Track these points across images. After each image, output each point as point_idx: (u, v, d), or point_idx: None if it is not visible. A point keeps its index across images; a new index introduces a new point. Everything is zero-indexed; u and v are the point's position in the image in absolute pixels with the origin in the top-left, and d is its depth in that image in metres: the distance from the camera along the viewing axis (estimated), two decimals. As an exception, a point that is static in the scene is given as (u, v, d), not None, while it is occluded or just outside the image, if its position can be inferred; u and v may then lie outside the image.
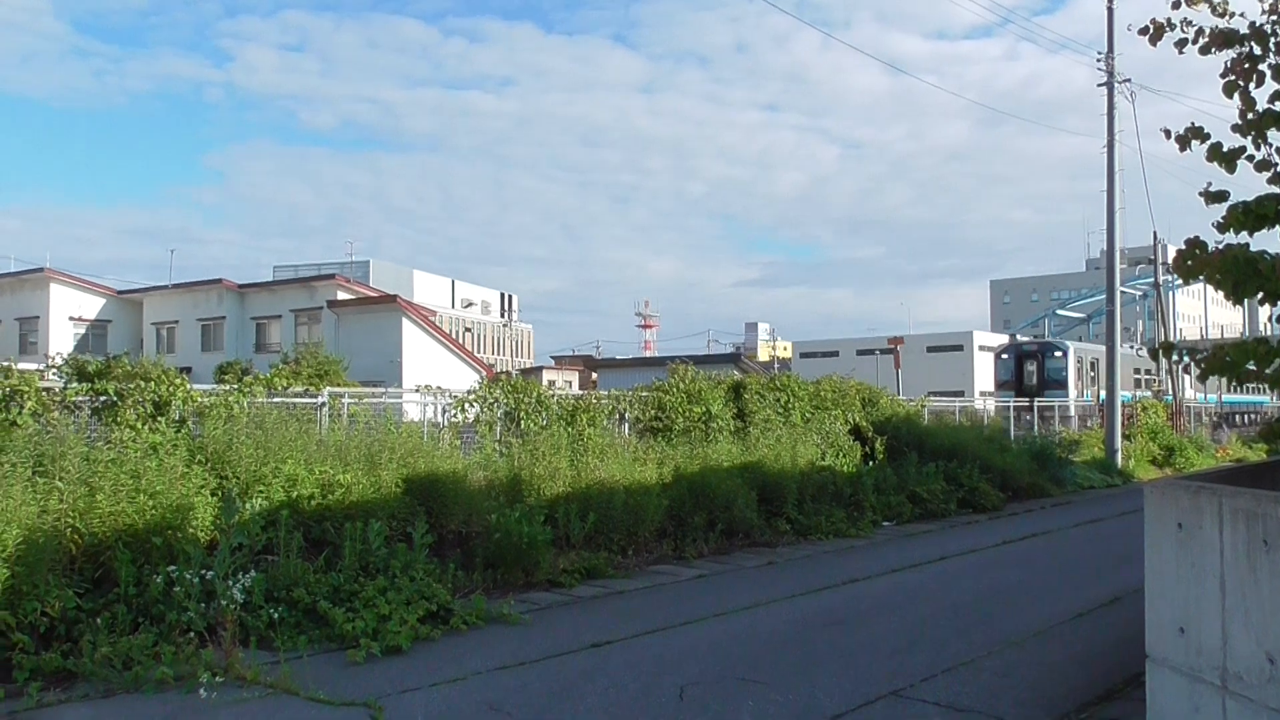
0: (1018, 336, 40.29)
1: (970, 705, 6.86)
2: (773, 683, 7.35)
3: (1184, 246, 6.24)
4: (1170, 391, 38.54)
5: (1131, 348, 44.16)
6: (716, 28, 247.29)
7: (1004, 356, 40.98)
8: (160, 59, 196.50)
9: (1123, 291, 34.46)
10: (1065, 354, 39.00)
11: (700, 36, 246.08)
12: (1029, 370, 39.12)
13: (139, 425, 10.21)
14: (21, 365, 10.46)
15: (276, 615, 8.28)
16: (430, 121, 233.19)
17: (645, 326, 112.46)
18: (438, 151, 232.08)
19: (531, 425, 14.07)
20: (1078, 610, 10.09)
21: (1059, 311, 71.72)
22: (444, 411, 14.42)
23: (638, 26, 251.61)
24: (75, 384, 10.43)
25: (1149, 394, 40.71)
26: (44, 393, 10.00)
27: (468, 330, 71.28)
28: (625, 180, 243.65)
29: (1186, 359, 7.13)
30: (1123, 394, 40.77)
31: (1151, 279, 45.50)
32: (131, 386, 10.52)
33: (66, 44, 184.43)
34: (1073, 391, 36.48)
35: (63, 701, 6.74)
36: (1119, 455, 27.71)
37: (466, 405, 14.26)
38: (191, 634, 7.67)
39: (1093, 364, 39.10)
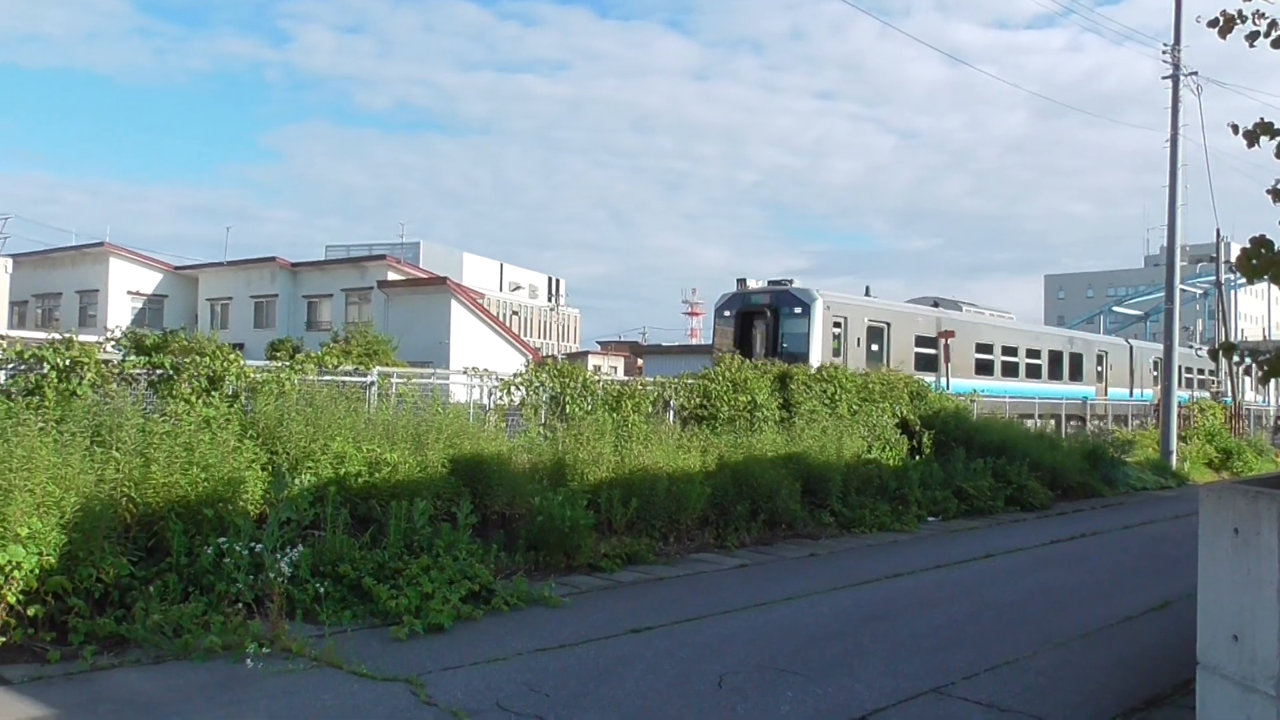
0: (749, 283, 26.88)
1: (1013, 705, 6.78)
2: (812, 675, 7.32)
3: (1249, 245, 6.08)
4: (1229, 393, 37.70)
5: (1191, 347, 42.93)
6: (772, 14, 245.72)
7: (726, 314, 26.93)
8: (220, 39, 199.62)
9: (1182, 289, 33.70)
10: (808, 309, 25.18)
11: (755, 23, 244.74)
12: (757, 332, 26.43)
13: (193, 399, 10.42)
14: (81, 337, 10.69)
15: (322, 589, 8.40)
16: (484, 105, 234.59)
17: (692, 314, 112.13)
18: (490, 135, 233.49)
19: (576, 410, 14.12)
20: (1126, 613, 9.92)
21: (1115, 308, 70.29)
22: (490, 394, 14.51)
23: (692, 12, 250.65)
24: (133, 357, 10.66)
25: (1205, 395, 39.87)
26: (103, 365, 10.22)
27: (515, 314, 71.66)
28: (676, 167, 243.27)
29: (1248, 360, 6.96)
30: (1149, 393, 39.88)
31: (1213, 277, 44.43)
32: (187, 361, 10.74)
33: (130, 23, 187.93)
34: (817, 357, 23.92)
35: (115, 666, 6.90)
36: (1174, 457, 27.19)
37: (513, 388, 14.35)
38: (240, 605, 7.82)
39: (871, 328, 26.76)
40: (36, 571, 7.24)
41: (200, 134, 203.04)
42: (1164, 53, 27.59)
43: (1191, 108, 27.88)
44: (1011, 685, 7.26)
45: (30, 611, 7.20)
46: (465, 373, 15.15)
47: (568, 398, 14.31)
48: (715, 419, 16.07)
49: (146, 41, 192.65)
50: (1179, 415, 28.75)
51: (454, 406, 13.24)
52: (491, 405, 14.32)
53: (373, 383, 13.00)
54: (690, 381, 16.78)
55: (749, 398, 16.62)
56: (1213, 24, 6.54)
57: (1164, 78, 27.51)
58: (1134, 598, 10.69)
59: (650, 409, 15.34)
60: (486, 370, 14.97)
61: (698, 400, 16.46)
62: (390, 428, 11.45)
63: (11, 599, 7.13)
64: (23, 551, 7.16)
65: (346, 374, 12.89)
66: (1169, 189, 27.33)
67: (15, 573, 7.11)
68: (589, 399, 14.47)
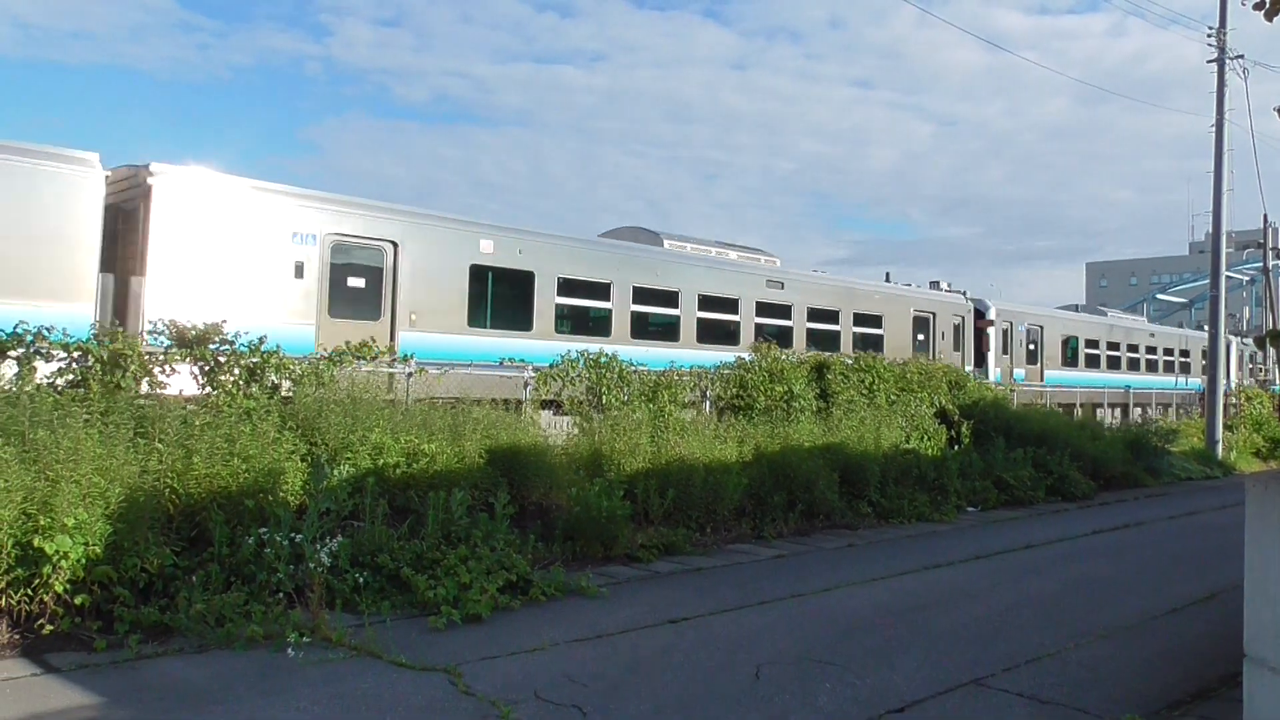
0: None
1: (1054, 698, 6.70)
2: (850, 666, 7.28)
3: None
4: (1277, 380, 37.01)
5: (1238, 335, 42.11)
6: (811, 2, 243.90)
7: None
8: (262, 33, 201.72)
9: (1228, 276, 33.09)
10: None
11: (794, 11, 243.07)
12: None
13: (234, 391, 10.54)
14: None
15: (361, 579, 8.47)
16: (521, 96, 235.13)
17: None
18: (527, 126, 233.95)
19: (613, 400, 14.13)
20: (1171, 605, 9.78)
21: (1159, 296, 69.19)
22: (526, 385, 14.56)
23: (730, 1, 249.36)
24: (175, 349, 10.80)
25: (1252, 382, 39.17)
26: (146, 356, 10.37)
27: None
28: (713, 157, 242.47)
29: (1297, 348, 6.81)
30: (1191, 382, 38.70)
31: (1260, 263, 43.58)
32: (228, 352, 10.86)
33: (173, 18, 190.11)
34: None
35: (160, 654, 7.01)
36: (1220, 446, 26.74)
37: (549, 379, 14.39)
38: (280, 594, 7.90)
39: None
40: (83, 561, 7.36)
41: (243, 127, 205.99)
42: (1209, 36, 27.12)
43: (1238, 91, 27.53)
44: (1053, 678, 7.18)
45: (77, 600, 7.33)
46: (502, 364, 15.22)
47: (604, 388, 14.32)
48: (752, 409, 16.03)
49: (189, 37, 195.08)
50: (1225, 403, 28.27)
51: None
52: (528, 396, 14.38)
53: (411, 373, 13.09)
54: (727, 372, 16.79)
55: (785, 388, 16.57)
56: (1258, 6, 6.40)
57: (1209, 61, 27.06)
58: (1179, 589, 10.53)
59: (686, 399, 15.33)
60: (523, 361, 15.03)
61: (734, 390, 16.45)
62: (428, 418, 11.51)
63: (59, 588, 7.26)
64: (69, 541, 7.28)
65: (386, 365, 12.98)
66: (1214, 174, 26.88)
67: (63, 562, 7.24)
68: (625, 390, 14.47)
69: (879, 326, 24.76)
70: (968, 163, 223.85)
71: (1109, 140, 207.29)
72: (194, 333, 11.06)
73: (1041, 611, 9.39)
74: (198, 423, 9.30)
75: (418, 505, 10.00)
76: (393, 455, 10.55)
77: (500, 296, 17.23)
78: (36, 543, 7.19)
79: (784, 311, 22.34)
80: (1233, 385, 35.45)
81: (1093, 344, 33.53)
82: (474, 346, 16.13)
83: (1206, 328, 31.24)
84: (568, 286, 18.34)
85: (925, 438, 17.54)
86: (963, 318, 28.10)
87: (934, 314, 26.98)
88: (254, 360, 10.94)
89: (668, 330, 20.06)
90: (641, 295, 19.48)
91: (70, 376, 9.91)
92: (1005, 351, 29.24)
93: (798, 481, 13.81)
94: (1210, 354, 27.96)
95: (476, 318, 16.73)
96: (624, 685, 6.72)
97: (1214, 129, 26.82)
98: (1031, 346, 30.60)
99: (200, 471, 8.85)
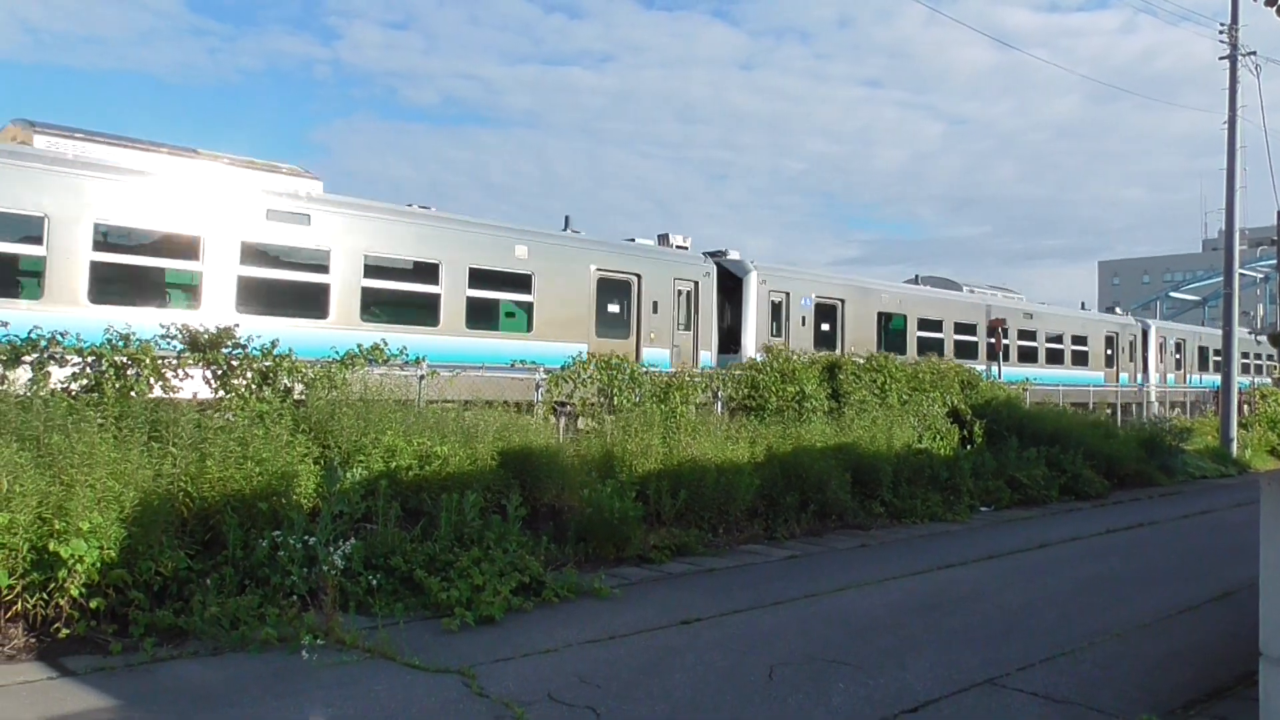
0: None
1: (1069, 697, 6.68)
2: (864, 666, 7.27)
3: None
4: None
5: (1250, 332, 41.86)
6: (819, 2, 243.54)
7: None
8: (270, 37, 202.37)
9: (1242, 274, 32.87)
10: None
11: (802, 11, 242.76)
12: None
13: (247, 394, 10.58)
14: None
15: (375, 582, 8.49)
16: (529, 98, 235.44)
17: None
18: (535, 127, 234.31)
19: (624, 401, 14.14)
20: (1186, 604, 9.73)
21: (1172, 294, 68.78)
22: (539, 386, 14.59)
23: (738, 1, 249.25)
24: (188, 353, 10.84)
25: (1268, 380, 38.98)
26: (159, 361, 10.42)
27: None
28: (721, 157, 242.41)
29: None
30: (1201, 379, 38.96)
31: (1274, 260, 43.36)
32: (240, 356, 10.90)
33: (182, 22, 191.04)
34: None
35: (175, 657, 7.04)
36: (1234, 444, 26.59)
37: (561, 381, 14.41)
38: (294, 597, 7.93)
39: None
40: (98, 565, 7.40)
41: (252, 130, 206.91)
42: (1221, 33, 26.97)
43: (1250, 88, 27.20)
44: (1067, 677, 7.15)
45: (93, 604, 7.37)
46: (513, 365, 15.25)
47: (615, 389, 14.34)
48: (764, 410, 16.04)
49: (199, 40, 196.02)
50: (1239, 402, 28.14)
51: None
52: (540, 397, 14.41)
53: (423, 376, 13.13)
54: (738, 372, 16.84)
55: (797, 388, 16.57)
56: (1270, 2, 6.38)
57: (1221, 58, 26.92)
58: (1193, 587, 10.48)
59: (698, 400, 15.34)
60: (535, 363, 15.07)
61: (746, 391, 16.47)
62: (440, 421, 11.54)
63: (75, 591, 7.30)
64: (84, 545, 7.32)
65: (398, 368, 13.02)
66: (1227, 171, 26.76)
67: (78, 566, 7.28)
68: (637, 390, 14.49)
69: (528, 291, 17.97)
70: (977, 162, 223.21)
71: (1119, 138, 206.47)
72: (206, 337, 11.11)
73: (1055, 611, 9.36)
74: (211, 426, 9.34)
75: (430, 507, 10.01)
76: (405, 457, 10.57)
77: None
78: (52, 547, 7.23)
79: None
80: (1153, 380, 36.00)
81: (932, 325, 26.98)
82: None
83: (1221, 324, 31.06)
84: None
85: (938, 437, 17.51)
86: (696, 283, 21.03)
87: (638, 275, 19.87)
88: (266, 364, 10.99)
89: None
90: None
91: (84, 381, 9.96)
92: (778, 332, 22.53)
93: (810, 482, 13.79)
94: (1224, 352, 27.81)
95: None
96: (637, 686, 6.72)
97: (1226, 126, 26.70)
98: (826, 326, 24.08)
99: (214, 475, 8.89)
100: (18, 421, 8.19)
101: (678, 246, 21.75)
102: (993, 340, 28.28)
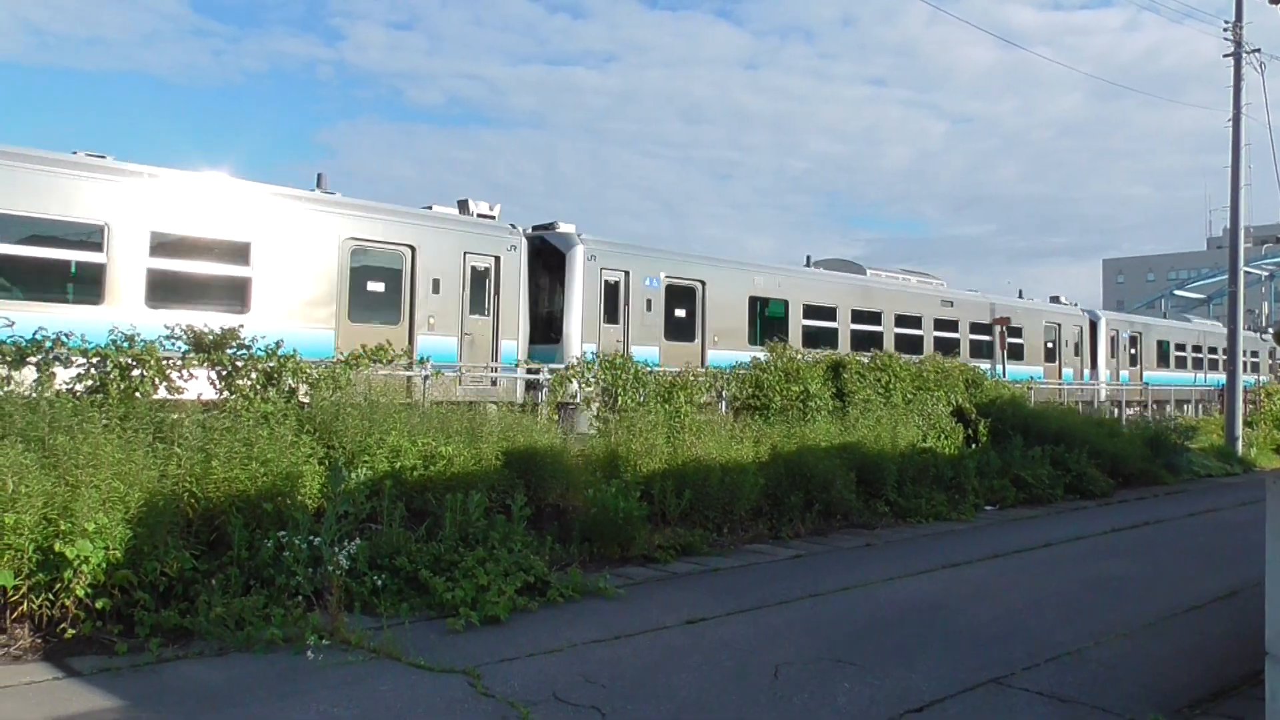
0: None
1: (1074, 696, 6.67)
2: (869, 665, 7.26)
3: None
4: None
5: (1254, 330, 41.79)
6: (823, 1, 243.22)
7: None
8: (274, 38, 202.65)
9: (1247, 272, 32.86)
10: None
11: (806, 10, 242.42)
12: None
13: (252, 395, 10.59)
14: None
15: (379, 582, 8.50)
16: (533, 98, 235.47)
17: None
18: (540, 128, 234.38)
19: (629, 401, 14.14)
20: (1191, 603, 9.71)
21: (1177, 292, 68.71)
22: (543, 386, 14.60)
23: (742, 1, 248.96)
24: (193, 354, 10.86)
25: (1273, 378, 38.89)
26: (164, 361, 10.43)
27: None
28: (726, 157, 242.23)
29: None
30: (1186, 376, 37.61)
31: (1279, 258, 43.29)
32: (245, 357, 10.91)
33: (186, 24, 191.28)
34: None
35: (180, 657, 7.05)
36: (1240, 443, 26.54)
37: (565, 380, 14.42)
38: (299, 597, 7.93)
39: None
40: (103, 565, 7.41)
41: (257, 132, 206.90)
42: (1225, 30, 26.94)
43: (1254, 86, 27.21)
44: (1073, 676, 7.14)
45: (98, 604, 7.37)
46: (518, 365, 15.27)
47: (619, 389, 14.34)
48: (768, 409, 16.03)
49: (203, 42, 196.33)
50: (1245, 400, 28.08)
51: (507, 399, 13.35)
52: (544, 398, 14.42)
53: (428, 376, 13.14)
54: (742, 372, 16.82)
55: (801, 388, 16.55)
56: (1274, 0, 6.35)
57: (1225, 55, 26.88)
58: (1199, 586, 10.46)
59: (702, 399, 15.34)
60: (539, 363, 15.08)
61: (750, 390, 16.46)
62: (445, 421, 11.54)
63: (80, 592, 7.30)
64: (90, 546, 7.33)
65: (404, 368, 13.03)
66: (1232, 169, 26.71)
67: (83, 566, 7.28)
68: (641, 390, 14.49)
69: (245, 263, 15.25)
70: (981, 160, 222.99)
71: (1124, 136, 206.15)
72: (211, 337, 11.13)
73: (1061, 610, 9.34)
74: (216, 427, 9.35)
75: (435, 507, 10.02)
76: (410, 458, 10.57)
77: None
78: (57, 547, 7.24)
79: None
80: (1102, 376, 33.50)
81: (822, 313, 24.46)
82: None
83: (1227, 323, 31.01)
84: None
85: (942, 436, 17.49)
86: (496, 259, 17.94)
87: (411, 247, 17.00)
88: (271, 365, 10.99)
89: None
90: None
91: (89, 382, 9.97)
92: (615, 319, 19.69)
93: (815, 481, 13.77)
94: (1230, 349, 27.76)
95: None
96: (643, 686, 6.72)
97: (1231, 123, 26.64)
98: (682, 313, 21.11)
99: (219, 475, 8.89)
100: (23, 422, 8.20)
101: (480, 215, 18.34)
102: (983, 338, 27.90)
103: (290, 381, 11.12)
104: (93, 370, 10.04)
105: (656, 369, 15.13)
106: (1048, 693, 6.73)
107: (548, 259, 19.14)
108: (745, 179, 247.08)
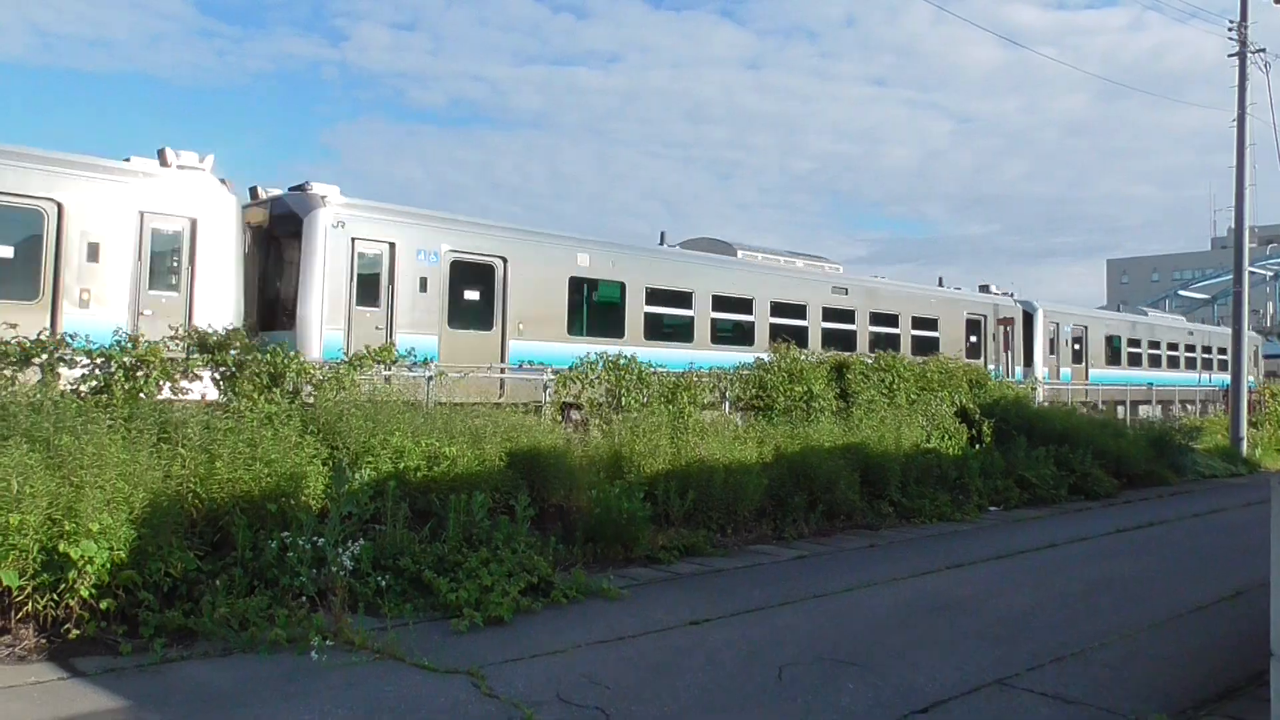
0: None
1: (1079, 697, 6.66)
2: (873, 666, 7.25)
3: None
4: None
5: (1263, 331, 41.69)
6: (827, 1, 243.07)
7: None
8: (278, 39, 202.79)
9: (1251, 272, 32.76)
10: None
11: (810, 10, 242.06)
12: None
13: (256, 396, 10.60)
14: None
15: (383, 583, 8.49)
16: (537, 98, 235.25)
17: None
18: (544, 128, 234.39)
19: (632, 402, 14.14)
20: (1196, 603, 9.70)
21: (1181, 292, 68.70)
22: (546, 387, 14.60)
23: (746, 1, 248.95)
24: (197, 355, 10.87)
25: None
26: (168, 362, 10.45)
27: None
28: (729, 156, 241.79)
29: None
30: (1191, 377, 37.16)
31: (1283, 259, 43.22)
32: (249, 358, 10.92)
33: (191, 25, 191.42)
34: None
35: (185, 658, 7.05)
36: (1244, 443, 26.50)
37: (569, 381, 14.42)
38: (303, 598, 7.93)
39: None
40: (108, 566, 7.41)
41: (261, 133, 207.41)
42: (1230, 29, 26.92)
43: (1259, 85, 27.15)
44: (1078, 677, 7.13)
45: (102, 605, 7.38)
46: (521, 366, 15.27)
47: (623, 390, 14.34)
48: (772, 410, 16.03)
49: (207, 43, 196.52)
50: (1249, 400, 28.05)
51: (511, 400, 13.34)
52: (548, 398, 14.42)
53: (431, 377, 13.15)
54: (746, 372, 16.83)
55: (805, 388, 16.56)
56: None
57: (1230, 55, 26.88)
58: (1204, 587, 10.44)
59: (706, 400, 15.34)
60: (542, 363, 15.08)
61: (754, 391, 16.46)
62: (449, 422, 11.55)
63: (84, 592, 7.31)
64: (94, 546, 7.34)
65: (407, 369, 13.04)
66: (1236, 169, 26.70)
67: (88, 567, 7.29)
68: (645, 391, 14.49)
69: None
70: (986, 160, 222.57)
71: (1128, 136, 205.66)
72: (215, 338, 11.14)
73: (1065, 610, 9.33)
74: (220, 428, 9.36)
75: (439, 508, 10.02)
76: (414, 458, 10.58)
77: None
78: (62, 548, 7.25)
79: None
80: (1039, 375, 29.87)
81: (674, 299, 21.28)
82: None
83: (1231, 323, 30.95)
84: None
85: (946, 437, 17.48)
86: (193, 221, 14.71)
87: (58, 204, 13.54)
88: (275, 365, 10.99)
89: None
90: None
91: (93, 383, 9.98)
92: (374, 301, 16.47)
93: (818, 482, 13.77)
94: (1233, 350, 27.73)
95: None
96: (646, 687, 6.71)
97: (1235, 123, 26.64)
98: (475, 295, 18.02)
99: (223, 476, 8.90)
100: (28, 423, 8.21)
101: (181, 167, 14.83)
102: (978, 339, 27.39)
103: (294, 382, 11.13)
104: (97, 371, 10.05)
105: (660, 370, 15.10)
106: (1052, 693, 6.72)
107: (288, 226, 16.05)
108: (750, 179, 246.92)
